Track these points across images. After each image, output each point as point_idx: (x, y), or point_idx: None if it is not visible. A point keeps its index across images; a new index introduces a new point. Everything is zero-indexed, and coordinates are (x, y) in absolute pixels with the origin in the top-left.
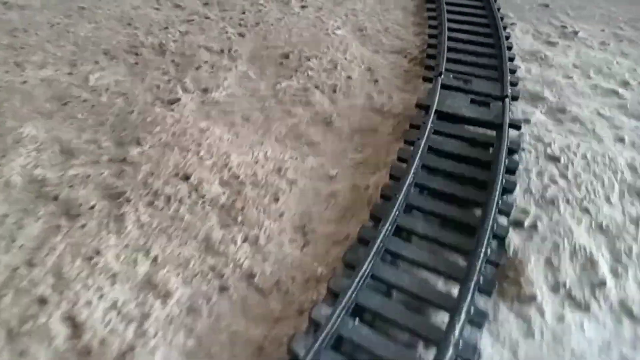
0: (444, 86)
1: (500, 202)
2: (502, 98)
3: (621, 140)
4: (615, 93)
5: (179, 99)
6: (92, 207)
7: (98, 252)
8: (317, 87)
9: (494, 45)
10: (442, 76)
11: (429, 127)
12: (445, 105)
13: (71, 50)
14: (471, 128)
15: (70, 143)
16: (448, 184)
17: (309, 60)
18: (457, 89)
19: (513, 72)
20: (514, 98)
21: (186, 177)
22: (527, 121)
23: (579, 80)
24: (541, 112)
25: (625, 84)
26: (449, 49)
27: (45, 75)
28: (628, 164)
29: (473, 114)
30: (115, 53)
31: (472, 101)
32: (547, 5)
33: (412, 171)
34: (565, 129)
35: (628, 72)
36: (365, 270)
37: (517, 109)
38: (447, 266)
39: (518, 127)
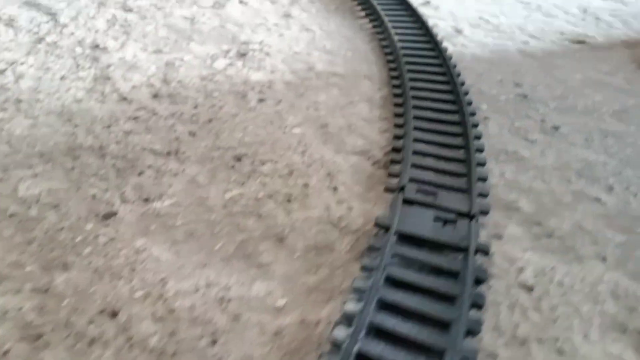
0: (406, 201)
1: (463, 346)
2: (469, 216)
3: (604, 259)
4: (598, 201)
5: (115, 213)
6: (7, 353)
7: None
8: (270, 196)
9: (463, 147)
10: (405, 189)
11: (387, 252)
12: (406, 225)
13: (3, 151)
14: (435, 252)
15: None
16: (406, 325)
17: (263, 164)
18: (421, 204)
19: (483, 180)
20: (484, 212)
21: (114, 314)
22: (499, 237)
23: (559, 185)
24: (515, 225)
25: (610, 189)
26: (415, 153)
27: None
28: (611, 291)
29: (437, 235)
30: (52, 156)
31: (437, 219)
32: (525, 96)
33: (366, 309)
34: (542, 246)
35: (613, 176)
36: None
37: (489, 222)
38: None
39: (486, 252)
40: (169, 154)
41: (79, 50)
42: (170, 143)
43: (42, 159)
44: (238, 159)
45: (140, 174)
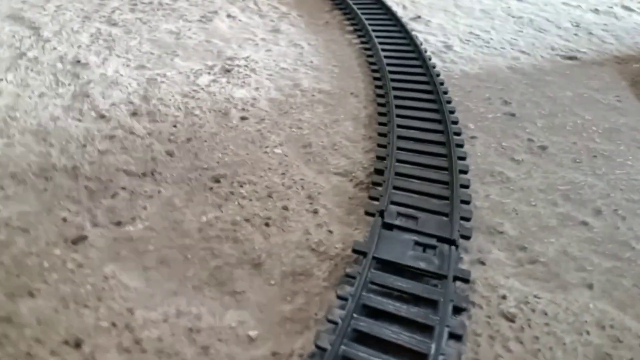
0: (386, 225)
1: None
2: (450, 241)
3: (589, 287)
4: (585, 225)
5: (85, 237)
6: None
7: None
8: (248, 219)
9: (447, 168)
10: (385, 214)
11: (364, 279)
12: (384, 251)
13: None
14: (414, 279)
15: None
16: (381, 358)
17: (242, 186)
18: (401, 228)
19: (467, 202)
20: (466, 237)
21: (78, 344)
22: (482, 263)
23: (545, 208)
24: (499, 250)
25: (597, 212)
26: (397, 174)
27: None
28: (596, 321)
29: (416, 262)
30: (24, 177)
31: (417, 244)
32: (513, 114)
33: (337, 341)
34: (525, 273)
35: (600, 198)
36: None
37: (472, 246)
38: None
39: (466, 280)
40: (144, 174)
41: (59, 66)
42: (146, 163)
43: (14, 180)
44: (216, 180)
45: (113, 196)
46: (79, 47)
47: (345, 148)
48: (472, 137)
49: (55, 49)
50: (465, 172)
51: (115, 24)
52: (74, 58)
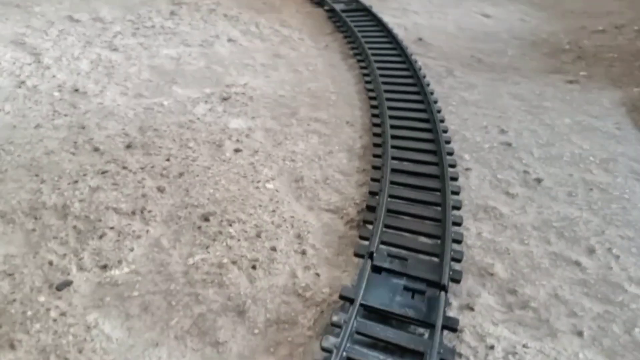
0: (375, 268)
1: None
2: (439, 286)
3: (580, 334)
4: (578, 265)
5: (70, 282)
6: None
7: None
8: (234, 262)
9: (440, 204)
10: (374, 256)
11: (349, 329)
12: (372, 297)
13: None
14: (401, 328)
15: None
16: None
17: (231, 225)
18: (390, 272)
19: (458, 242)
20: (456, 281)
21: None
22: (471, 308)
23: (537, 247)
24: (489, 293)
25: (591, 251)
26: (388, 211)
27: None
28: None
29: (404, 309)
30: (14, 215)
31: (406, 289)
32: (509, 144)
33: None
34: (515, 319)
35: (595, 235)
36: None
37: (462, 290)
38: None
39: (454, 329)
40: (134, 213)
41: (57, 95)
42: (136, 201)
43: (3, 219)
44: (206, 218)
45: (101, 236)
46: (78, 74)
47: (337, 182)
48: (467, 169)
49: (54, 76)
50: (459, 208)
51: (115, 49)
52: (72, 86)
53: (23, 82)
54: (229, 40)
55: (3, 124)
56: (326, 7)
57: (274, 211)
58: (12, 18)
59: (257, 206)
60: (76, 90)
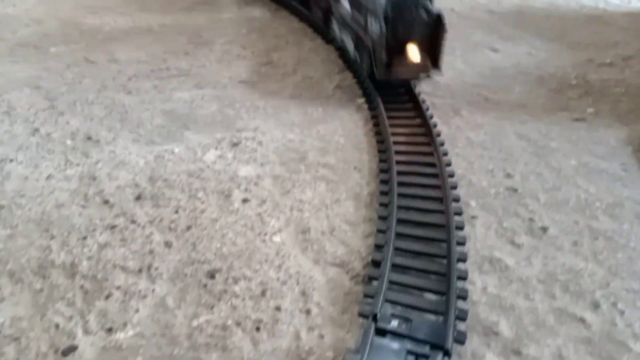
0: (379, 330)
1: None
2: (443, 350)
3: None
4: (583, 321)
5: (75, 347)
6: None
7: None
8: (239, 323)
9: (445, 256)
10: (378, 317)
11: None
12: None
13: None
14: None
15: None
16: None
17: (236, 283)
18: (393, 334)
19: (463, 298)
20: (460, 342)
21: None
22: None
23: (542, 302)
24: (494, 353)
25: (596, 306)
26: (393, 267)
27: None
28: None
29: None
30: (22, 275)
31: (409, 353)
32: (515, 190)
33: None
34: None
35: (600, 289)
36: None
37: (466, 351)
38: None
39: None
40: (140, 271)
41: (70, 143)
42: (143, 257)
43: (12, 278)
44: (212, 275)
45: (107, 297)
46: (92, 120)
47: (344, 233)
48: (473, 217)
49: (68, 123)
50: (464, 261)
51: (130, 93)
52: (85, 134)
53: (37, 130)
54: (241, 81)
55: (15, 174)
56: (336, 45)
57: (279, 266)
58: (29, 60)
59: (263, 261)
60: (89, 138)
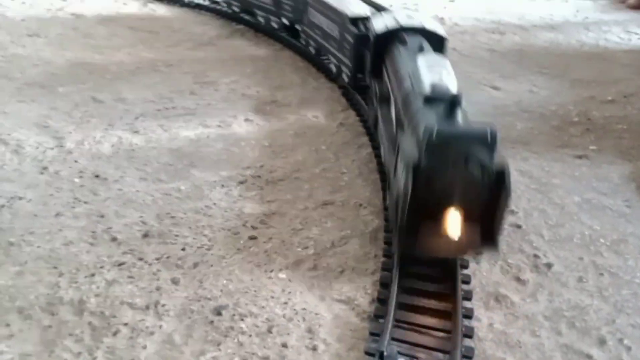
0: None
1: None
2: None
3: None
4: (589, 358)
5: None
6: None
7: None
8: None
9: (450, 294)
10: (384, 357)
11: None
12: None
13: None
14: None
15: None
16: None
17: (243, 319)
18: None
19: (469, 336)
20: None
21: None
22: None
23: (548, 338)
24: None
25: (602, 342)
26: (399, 305)
27: None
28: None
29: None
30: (31, 312)
31: None
32: (519, 226)
33: None
34: None
35: (606, 325)
36: None
37: None
38: None
39: None
40: (148, 307)
41: (78, 181)
42: (150, 295)
43: (20, 315)
44: (218, 312)
45: (115, 333)
46: (100, 158)
47: (350, 270)
48: (477, 253)
49: (76, 161)
50: (469, 299)
51: (137, 132)
52: (93, 172)
53: (45, 168)
54: (246, 119)
55: (25, 212)
56: (340, 84)
57: (285, 303)
58: (37, 99)
59: (269, 298)
60: (97, 176)
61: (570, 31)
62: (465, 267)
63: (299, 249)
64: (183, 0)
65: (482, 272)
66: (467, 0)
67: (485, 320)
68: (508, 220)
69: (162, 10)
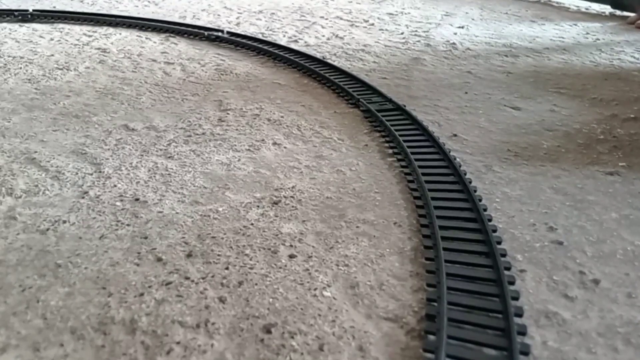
0: None
1: None
2: None
3: None
4: None
5: None
6: None
7: None
8: None
9: (501, 311)
10: None
11: None
12: None
13: (37, 326)
14: None
15: None
16: None
17: (293, 337)
18: None
19: (525, 354)
20: None
21: None
22: None
23: (605, 355)
24: None
25: None
26: (450, 321)
27: None
28: None
29: None
30: (83, 332)
31: None
32: (560, 243)
33: None
34: None
35: None
36: None
37: None
38: None
39: None
40: (198, 326)
41: (119, 205)
42: (200, 313)
43: (73, 335)
44: (268, 330)
45: (168, 352)
46: (137, 183)
47: (392, 287)
48: (522, 271)
49: (115, 186)
50: (520, 316)
51: (171, 157)
52: (133, 196)
53: (86, 193)
54: (274, 143)
55: (69, 235)
56: (362, 108)
57: (333, 321)
58: (72, 128)
59: (317, 316)
60: (137, 199)
61: (583, 52)
62: (512, 283)
63: (339, 267)
64: (203, 34)
65: (528, 289)
66: (477, 26)
67: (538, 339)
68: (548, 237)
69: (183, 44)
